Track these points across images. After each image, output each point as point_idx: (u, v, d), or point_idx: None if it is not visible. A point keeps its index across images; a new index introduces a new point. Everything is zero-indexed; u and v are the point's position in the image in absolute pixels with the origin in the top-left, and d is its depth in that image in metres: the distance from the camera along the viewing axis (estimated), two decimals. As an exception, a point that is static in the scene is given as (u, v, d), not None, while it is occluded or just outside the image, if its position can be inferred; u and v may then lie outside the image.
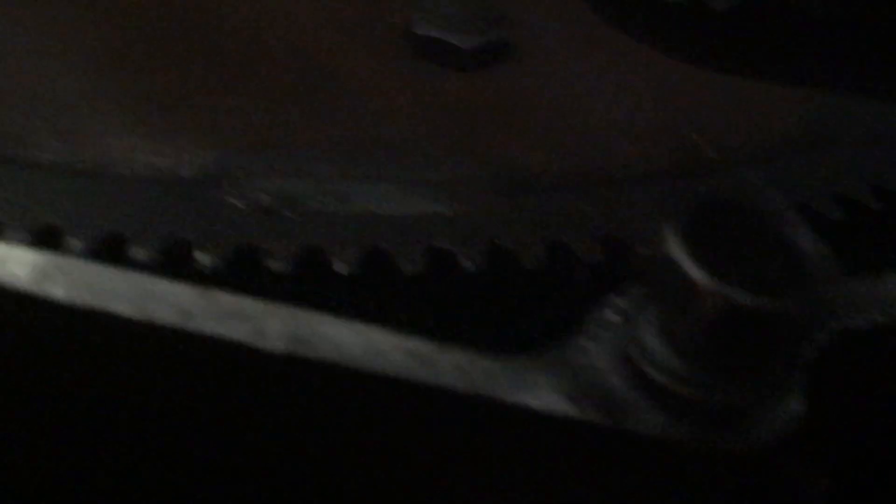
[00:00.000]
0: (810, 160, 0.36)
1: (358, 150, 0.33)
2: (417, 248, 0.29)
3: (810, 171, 0.35)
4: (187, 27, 0.38)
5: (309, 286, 0.29)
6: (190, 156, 0.32)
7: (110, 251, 0.28)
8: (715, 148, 0.36)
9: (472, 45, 0.37)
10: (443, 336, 0.30)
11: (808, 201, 0.33)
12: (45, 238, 0.28)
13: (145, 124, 0.33)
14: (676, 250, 0.21)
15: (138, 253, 0.28)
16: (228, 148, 0.32)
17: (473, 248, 0.30)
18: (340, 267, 0.29)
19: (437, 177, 0.32)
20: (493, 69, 0.38)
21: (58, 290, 0.23)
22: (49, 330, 0.24)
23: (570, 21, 0.41)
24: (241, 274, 0.28)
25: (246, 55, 0.36)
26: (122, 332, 0.23)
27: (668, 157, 0.35)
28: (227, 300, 0.23)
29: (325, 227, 0.30)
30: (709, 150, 0.35)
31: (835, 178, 0.35)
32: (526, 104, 0.37)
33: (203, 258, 0.28)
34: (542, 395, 0.22)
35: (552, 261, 0.30)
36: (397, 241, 0.29)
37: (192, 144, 0.32)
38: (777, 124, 0.37)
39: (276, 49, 0.37)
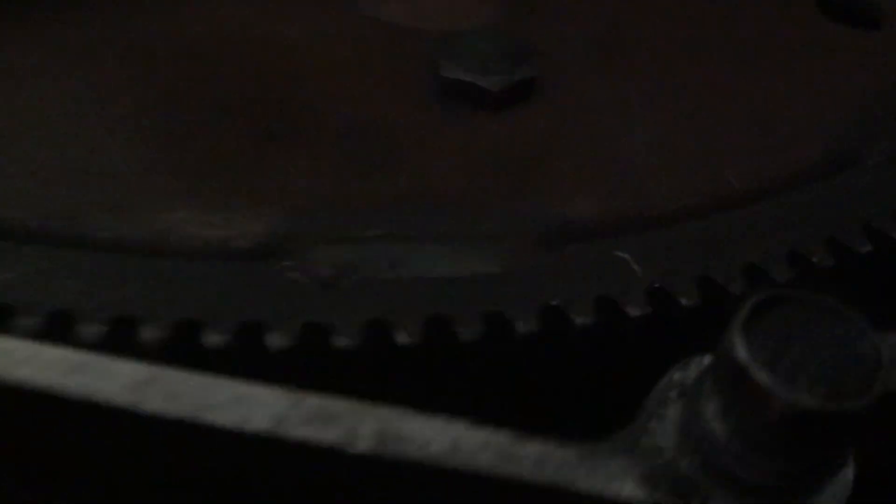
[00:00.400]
0: (834, 187, 0.37)
1: (404, 208, 0.34)
2: (474, 314, 0.31)
3: (835, 200, 0.36)
4: (227, 91, 0.38)
5: (372, 358, 0.30)
6: (241, 226, 0.32)
7: (182, 337, 0.29)
8: (745, 180, 0.37)
9: (499, 86, 0.38)
10: (503, 398, 0.32)
11: (835, 233, 0.35)
12: (116, 325, 0.29)
13: (195, 195, 0.33)
14: (743, 354, 0.22)
15: (211, 339, 0.29)
16: (279, 215, 0.33)
17: (526, 309, 0.31)
18: (404, 338, 0.30)
19: (484, 231, 0.33)
20: (523, 108, 0.38)
21: (154, 403, 0.24)
22: (146, 440, 0.25)
23: (596, 51, 0.42)
24: (310, 351, 0.30)
25: (283, 116, 0.37)
26: (219, 439, 0.24)
27: (701, 193, 0.36)
28: (315, 403, 0.25)
29: (383, 296, 0.31)
30: (738, 183, 0.37)
31: (860, 207, 0.36)
32: (559, 143, 0.37)
33: (273, 340, 0.29)
34: (618, 483, 0.24)
35: (601, 315, 0.31)
36: (454, 308, 0.31)
37: (242, 214, 0.33)
38: (802, 152, 0.38)
39: (314, 105, 0.37)
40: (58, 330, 0.29)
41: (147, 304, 0.30)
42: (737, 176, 0.37)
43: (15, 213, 0.32)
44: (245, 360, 0.29)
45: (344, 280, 0.31)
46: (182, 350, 0.29)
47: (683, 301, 0.32)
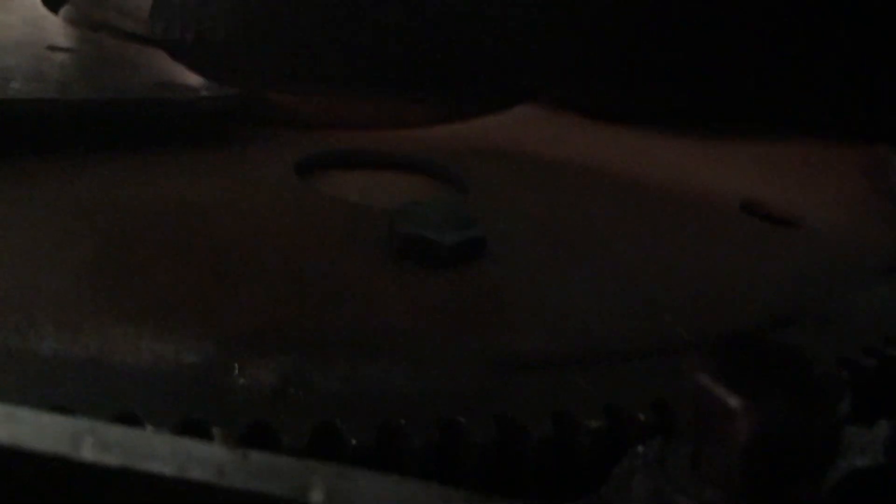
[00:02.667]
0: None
1: (359, 335, 0.34)
2: (428, 422, 0.30)
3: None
4: (177, 233, 0.39)
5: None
6: (194, 343, 0.32)
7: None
8: (692, 332, 0.37)
9: (453, 242, 0.39)
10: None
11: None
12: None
13: (147, 316, 0.33)
14: (707, 378, 0.22)
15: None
16: (231, 335, 0.33)
17: (483, 419, 0.30)
18: (354, 441, 0.29)
19: (435, 360, 0.33)
20: (474, 264, 0.40)
21: (88, 453, 0.22)
22: (81, 493, 0.23)
23: (540, 227, 0.44)
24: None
25: (236, 257, 0.38)
26: (158, 492, 0.22)
27: (646, 336, 0.37)
28: (261, 458, 0.23)
29: (335, 404, 0.30)
30: (683, 332, 0.37)
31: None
32: (507, 293, 0.38)
33: (219, 437, 0.28)
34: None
35: (558, 431, 0.31)
36: (408, 416, 0.30)
37: (195, 333, 0.32)
38: (744, 312, 0.39)
39: (270, 254, 0.38)
40: None
41: (83, 400, 0.28)
42: (684, 329, 0.38)
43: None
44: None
45: (293, 389, 0.30)
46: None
47: (641, 416, 0.31)
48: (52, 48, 0.54)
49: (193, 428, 0.28)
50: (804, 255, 0.44)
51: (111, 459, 0.22)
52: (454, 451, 0.30)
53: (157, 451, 0.22)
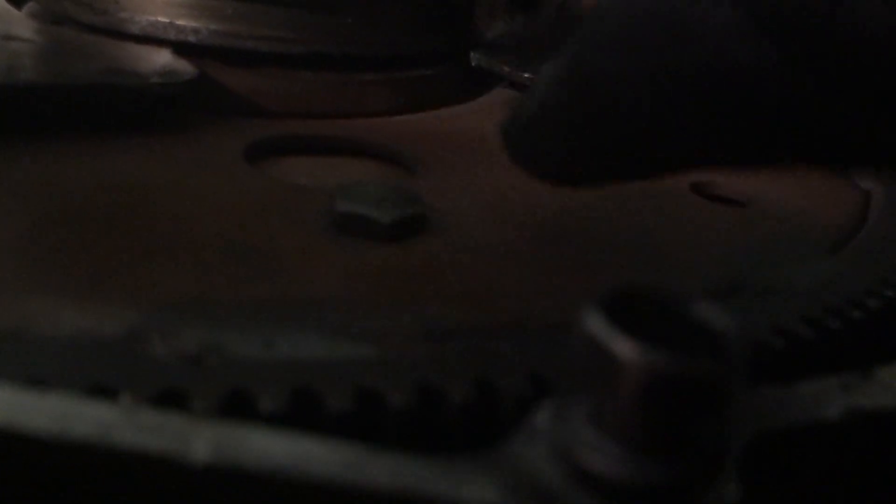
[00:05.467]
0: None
1: (283, 306, 0.33)
2: (345, 389, 0.29)
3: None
4: (115, 211, 0.39)
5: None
6: (116, 315, 0.32)
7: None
8: None
9: (391, 219, 0.39)
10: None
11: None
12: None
13: (72, 289, 0.33)
14: (596, 327, 0.22)
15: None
16: (154, 307, 0.32)
17: (402, 386, 0.30)
18: (267, 407, 0.28)
19: (362, 327, 0.33)
20: (412, 241, 0.40)
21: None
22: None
23: (482, 206, 0.44)
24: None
25: (172, 233, 0.37)
26: (40, 451, 0.22)
27: (580, 309, 0.36)
28: (148, 415, 0.23)
29: (250, 370, 0.29)
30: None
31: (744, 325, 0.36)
32: (443, 267, 0.38)
33: (124, 401, 0.27)
34: (477, 491, 0.22)
35: (479, 397, 0.30)
36: (324, 383, 0.29)
37: (118, 305, 0.32)
38: (679, 281, 0.39)
39: (206, 230, 0.38)
40: None
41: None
42: None
43: None
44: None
45: (211, 357, 0.30)
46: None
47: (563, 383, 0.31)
48: (7, 38, 0.54)
49: (102, 394, 0.28)
50: (749, 232, 0.44)
51: (-6, 416, 0.22)
52: (371, 419, 0.29)
53: (40, 409, 0.22)
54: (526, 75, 0.61)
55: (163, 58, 0.53)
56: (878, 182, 0.54)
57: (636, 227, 0.44)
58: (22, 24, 0.59)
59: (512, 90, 0.62)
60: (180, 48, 0.54)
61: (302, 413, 0.29)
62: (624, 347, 0.21)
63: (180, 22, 0.55)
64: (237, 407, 0.28)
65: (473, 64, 0.63)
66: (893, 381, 0.28)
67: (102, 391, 0.28)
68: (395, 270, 0.37)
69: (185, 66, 0.51)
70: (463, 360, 0.31)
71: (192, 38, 0.55)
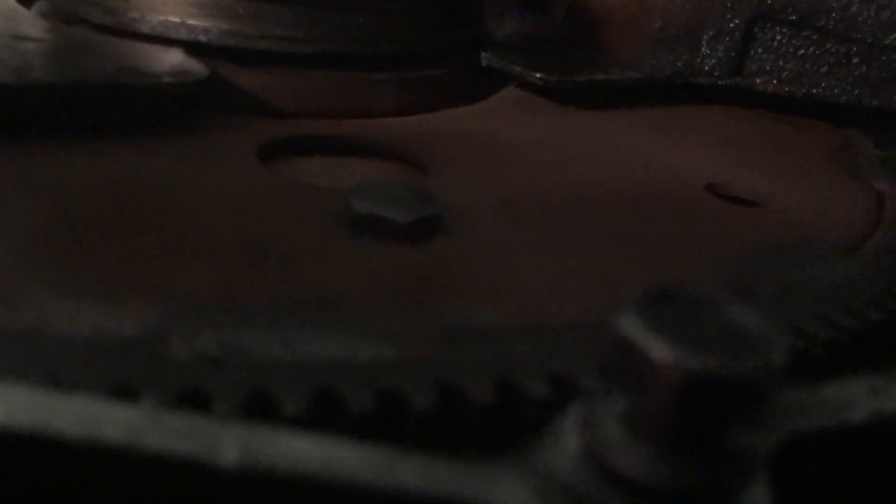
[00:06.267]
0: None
1: (303, 306, 0.33)
2: (367, 390, 0.29)
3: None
4: (129, 210, 0.39)
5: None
6: (135, 315, 0.31)
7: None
8: None
9: (407, 219, 0.39)
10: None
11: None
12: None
13: (90, 288, 0.33)
14: (632, 330, 0.21)
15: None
16: (173, 306, 0.32)
17: (423, 387, 0.30)
18: (290, 409, 0.28)
19: (381, 328, 0.33)
20: (429, 241, 0.39)
21: (-1, 414, 0.22)
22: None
23: (498, 204, 0.44)
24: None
25: (188, 232, 0.37)
26: (70, 454, 0.22)
27: (597, 308, 0.36)
28: (176, 418, 0.23)
29: (271, 372, 0.29)
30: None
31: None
32: (460, 268, 0.38)
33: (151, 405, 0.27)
34: (508, 493, 0.22)
35: (501, 398, 0.30)
36: (345, 384, 0.29)
37: (137, 305, 0.32)
38: (695, 279, 0.39)
39: (222, 229, 0.38)
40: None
41: (15, 370, 0.28)
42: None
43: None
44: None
45: (231, 358, 0.30)
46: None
47: (584, 383, 0.31)
48: (17, 37, 0.54)
49: (123, 395, 0.27)
50: (765, 233, 0.44)
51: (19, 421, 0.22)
52: (393, 419, 0.29)
53: (67, 412, 0.22)
54: (537, 75, 0.60)
55: (174, 57, 0.53)
56: (891, 182, 0.53)
57: (650, 227, 0.44)
58: (32, 24, 0.59)
59: (522, 90, 0.62)
60: (191, 48, 0.54)
61: (324, 414, 0.28)
62: (660, 350, 0.21)
63: (191, 21, 0.55)
64: (259, 408, 0.28)
65: (484, 63, 0.63)
66: (918, 383, 0.28)
67: (123, 392, 0.28)
68: (413, 271, 0.37)
69: (196, 66, 0.51)
70: (483, 361, 0.31)
71: (203, 38, 0.55)
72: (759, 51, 0.63)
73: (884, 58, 0.62)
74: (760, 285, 0.39)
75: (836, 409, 0.26)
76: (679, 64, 0.63)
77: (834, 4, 0.61)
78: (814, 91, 0.63)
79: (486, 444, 0.30)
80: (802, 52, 0.63)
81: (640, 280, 0.38)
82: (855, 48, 0.62)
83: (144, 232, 0.37)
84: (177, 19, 0.55)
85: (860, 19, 0.61)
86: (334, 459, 0.22)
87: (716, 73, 0.63)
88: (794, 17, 0.62)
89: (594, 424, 0.23)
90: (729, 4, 0.62)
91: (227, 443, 0.22)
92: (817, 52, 0.63)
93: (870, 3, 0.61)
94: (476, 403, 0.30)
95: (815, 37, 0.62)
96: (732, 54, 0.63)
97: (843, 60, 0.62)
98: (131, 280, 0.34)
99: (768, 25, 0.63)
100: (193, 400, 0.28)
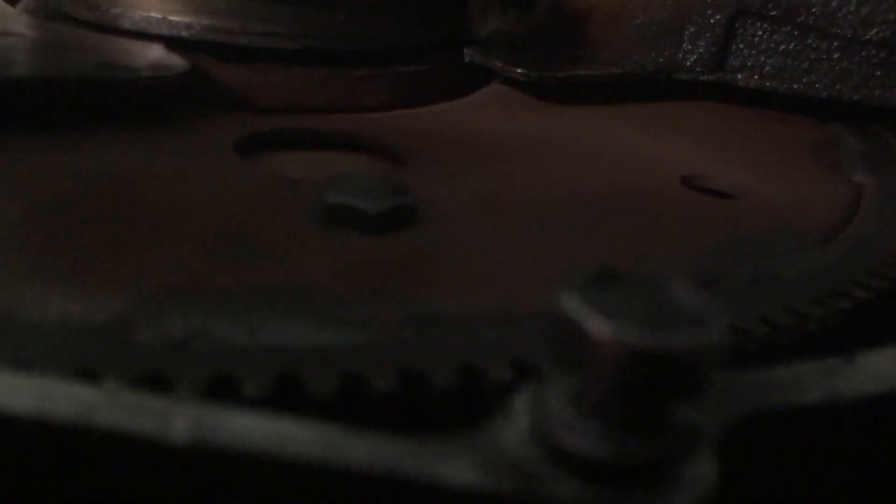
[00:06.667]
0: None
1: (269, 294, 0.33)
2: (329, 374, 0.29)
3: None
4: (105, 201, 0.39)
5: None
6: (104, 302, 0.32)
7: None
8: None
9: (379, 209, 0.39)
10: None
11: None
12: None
13: (59, 276, 0.33)
14: (573, 308, 0.22)
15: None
16: (141, 294, 0.32)
17: (385, 372, 0.30)
18: (251, 392, 0.28)
19: (347, 314, 0.33)
20: (400, 232, 0.40)
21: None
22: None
23: (475, 197, 0.44)
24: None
25: (161, 222, 0.38)
26: (21, 431, 0.22)
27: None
28: (129, 396, 0.23)
29: (235, 356, 0.30)
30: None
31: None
32: (430, 260, 0.38)
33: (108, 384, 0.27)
34: (456, 470, 0.22)
35: (463, 383, 0.30)
36: (309, 368, 0.29)
37: (107, 292, 0.32)
38: (665, 269, 0.39)
39: (195, 219, 0.38)
40: None
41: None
42: None
43: None
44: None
45: (196, 342, 0.30)
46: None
47: (546, 368, 0.31)
48: (2, 34, 0.54)
49: (87, 378, 0.28)
50: (738, 224, 0.44)
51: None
52: (356, 404, 0.29)
53: (21, 389, 0.22)
54: (519, 71, 0.61)
55: (155, 52, 0.53)
56: (870, 175, 0.54)
57: (623, 219, 0.44)
58: (16, 20, 0.60)
59: (506, 86, 0.63)
60: (173, 43, 0.54)
61: (286, 398, 0.29)
62: (597, 326, 0.21)
63: (173, 17, 0.55)
64: (222, 391, 0.28)
65: (467, 60, 0.63)
66: (875, 367, 0.28)
67: (87, 375, 0.28)
68: (382, 260, 0.37)
69: (176, 61, 0.52)
70: (446, 347, 0.32)
71: (184, 34, 0.55)
72: (741, 46, 0.64)
73: (864, 53, 0.62)
74: (729, 276, 0.39)
75: (790, 389, 0.27)
76: (661, 60, 0.64)
77: (814, 0, 0.62)
78: (795, 86, 0.63)
79: (448, 428, 0.31)
80: (784, 47, 0.63)
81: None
82: (836, 43, 0.62)
83: (119, 222, 0.38)
84: (158, 15, 0.55)
85: (840, 15, 0.61)
86: (283, 436, 0.22)
87: (697, 69, 0.64)
88: (775, 13, 0.62)
89: (543, 403, 0.23)
90: (710, 0, 0.63)
91: (179, 420, 0.22)
92: (798, 48, 0.63)
93: (850, -2, 0.61)
94: (438, 387, 0.30)
95: (796, 32, 0.63)
96: (714, 50, 0.63)
97: (824, 56, 0.63)
98: (103, 268, 0.34)
99: (749, 21, 0.63)
100: (156, 383, 0.28)
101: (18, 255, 0.35)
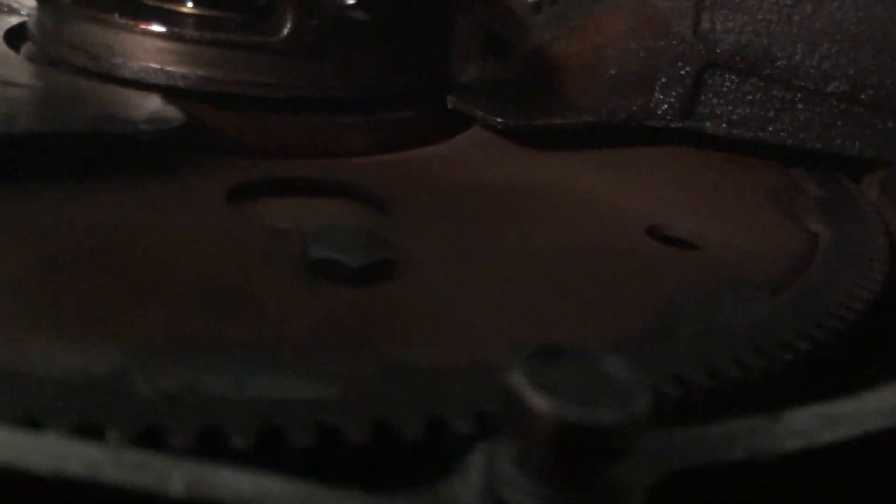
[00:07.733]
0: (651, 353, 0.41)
1: (256, 348, 0.37)
2: (308, 426, 0.33)
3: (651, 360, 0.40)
4: (104, 254, 0.43)
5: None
6: (104, 354, 0.35)
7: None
8: (571, 341, 0.40)
9: (360, 263, 0.43)
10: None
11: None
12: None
13: (63, 330, 0.36)
14: (517, 383, 0.25)
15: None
16: (137, 347, 0.36)
17: (359, 424, 0.33)
18: (238, 443, 0.32)
19: (327, 368, 0.36)
20: (380, 285, 0.43)
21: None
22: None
23: (450, 249, 0.47)
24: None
25: (156, 275, 0.41)
26: (37, 488, 0.25)
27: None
28: (132, 455, 0.26)
29: (223, 409, 0.33)
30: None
31: (673, 366, 0.39)
32: (406, 313, 0.41)
33: (112, 440, 0.31)
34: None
35: (429, 434, 0.34)
36: (288, 420, 0.33)
37: (105, 346, 0.36)
38: (623, 327, 0.42)
39: (186, 272, 0.41)
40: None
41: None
42: (566, 341, 0.41)
43: None
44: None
45: (189, 395, 0.33)
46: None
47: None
48: (6, 83, 0.57)
49: (89, 432, 0.31)
50: (695, 275, 0.48)
51: (-4, 455, 0.25)
52: (331, 453, 0.33)
53: (36, 449, 0.25)
54: (498, 119, 0.64)
55: (153, 103, 0.56)
56: (826, 225, 0.57)
57: (589, 273, 0.47)
58: (20, 69, 0.63)
59: (486, 131, 0.66)
60: (170, 92, 0.58)
61: (268, 448, 0.32)
62: (537, 401, 0.24)
63: (170, 68, 0.59)
64: (210, 442, 0.32)
65: (449, 106, 0.66)
66: (799, 425, 0.31)
67: (91, 429, 0.31)
68: (361, 312, 0.41)
69: (173, 113, 0.55)
70: (416, 399, 0.35)
71: (181, 84, 0.58)
72: (710, 96, 0.67)
73: (826, 104, 0.66)
74: (681, 327, 0.42)
75: (715, 446, 0.30)
76: (633, 108, 0.67)
77: (779, 54, 0.65)
78: (760, 134, 0.67)
79: (419, 475, 0.34)
80: (750, 97, 0.67)
81: (570, 325, 0.42)
82: (799, 95, 0.66)
83: (116, 276, 0.41)
84: (156, 65, 0.59)
85: (803, 68, 0.65)
86: (266, 491, 0.26)
87: (668, 117, 0.67)
88: (741, 66, 0.66)
89: (494, 462, 0.26)
90: (681, 53, 0.66)
91: (176, 476, 0.25)
92: (764, 98, 0.67)
93: (812, 53, 0.65)
94: (406, 439, 0.33)
95: (762, 84, 0.66)
96: (684, 99, 0.67)
97: (788, 106, 0.66)
98: (101, 322, 0.37)
99: (718, 73, 0.67)
100: (152, 435, 0.31)
101: (25, 308, 0.38)
